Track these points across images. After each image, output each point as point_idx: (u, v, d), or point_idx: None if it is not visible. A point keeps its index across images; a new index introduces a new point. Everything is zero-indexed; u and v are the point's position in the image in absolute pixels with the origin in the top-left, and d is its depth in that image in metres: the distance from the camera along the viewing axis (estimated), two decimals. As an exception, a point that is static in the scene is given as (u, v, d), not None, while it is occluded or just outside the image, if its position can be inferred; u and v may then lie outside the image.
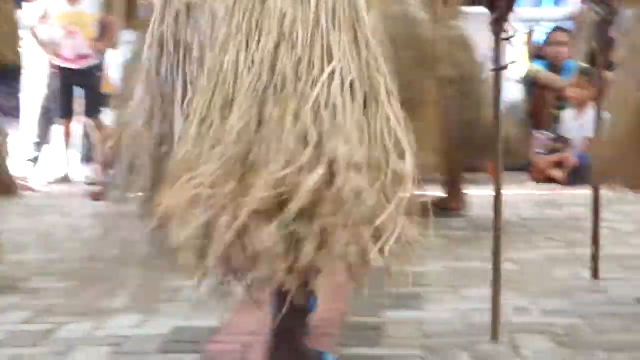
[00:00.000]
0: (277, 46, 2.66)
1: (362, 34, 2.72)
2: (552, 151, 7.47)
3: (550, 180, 7.11)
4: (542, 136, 7.48)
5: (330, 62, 2.63)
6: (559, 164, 7.23)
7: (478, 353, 2.85)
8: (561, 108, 7.91)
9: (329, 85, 2.59)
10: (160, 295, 3.70)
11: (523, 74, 8.10)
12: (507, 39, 3.10)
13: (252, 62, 2.66)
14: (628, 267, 3.95)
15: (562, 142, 7.46)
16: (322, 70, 2.60)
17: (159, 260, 3.76)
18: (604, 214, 5.23)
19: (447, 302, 3.48)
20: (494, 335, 2.94)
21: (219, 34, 2.87)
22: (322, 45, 2.64)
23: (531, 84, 8.00)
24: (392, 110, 2.64)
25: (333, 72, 2.61)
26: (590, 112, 6.53)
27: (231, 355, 2.88)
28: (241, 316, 3.26)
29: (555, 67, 8.06)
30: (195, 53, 3.85)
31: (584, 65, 7.71)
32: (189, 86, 3.85)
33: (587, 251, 4.29)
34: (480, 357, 2.82)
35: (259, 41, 2.70)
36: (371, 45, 2.74)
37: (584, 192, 5.66)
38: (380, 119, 2.64)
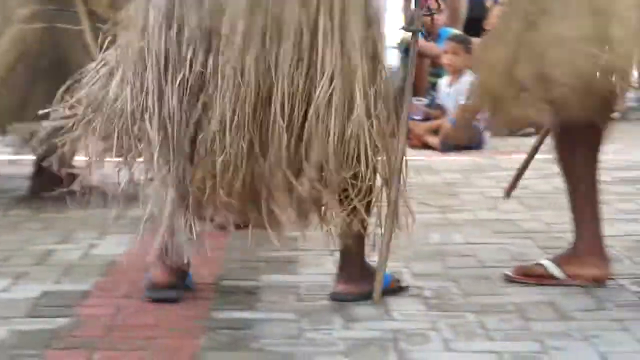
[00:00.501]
0: None
1: None
2: (428, 118, 7.52)
3: (426, 146, 7.16)
4: (418, 103, 7.52)
5: None
6: (434, 131, 7.29)
7: (350, 315, 2.87)
8: (437, 75, 7.97)
9: None
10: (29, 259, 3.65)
11: (399, 41, 8.11)
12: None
13: None
14: (497, 232, 4.03)
15: (438, 109, 7.52)
16: None
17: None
18: (477, 180, 5.37)
19: (323, 266, 3.49)
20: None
21: None
22: None
23: (406, 51, 8.05)
24: None
25: None
26: (465, 79, 6.61)
27: (102, 319, 2.85)
28: (114, 278, 3.25)
29: (430, 34, 8.11)
30: None
31: (458, 32, 7.78)
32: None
33: (460, 216, 4.40)
34: (352, 319, 2.84)
35: None
36: None
37: (458, 159, 5.83)
38: None
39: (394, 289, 3.15)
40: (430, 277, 3.31)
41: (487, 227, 4.12)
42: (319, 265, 3.51)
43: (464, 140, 6.27)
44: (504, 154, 6.17)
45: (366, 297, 3.02)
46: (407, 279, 3.31)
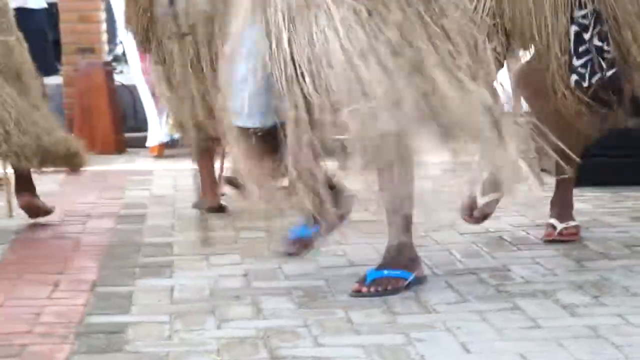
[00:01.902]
0: None
1: None
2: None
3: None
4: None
5: None
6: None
7: (222, 315, 2.89)
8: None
9: None
10: None
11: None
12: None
13: None
14: (367, 232, 4.06)
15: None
16: None
17: None
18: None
19: (196, 270, 3.50)
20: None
21: None
22: None
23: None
24: None
25: None
26: None
27: None
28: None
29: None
30: None
31: None
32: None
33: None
34: (225, 319, 2.85)
35: None
36: None
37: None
38: None
39: None
40: (304, 277, 3.36)
41: (357, 227, 4.13)
42: (193, 269, 3.52)
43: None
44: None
45: None
46: (281, 280, 3.33)
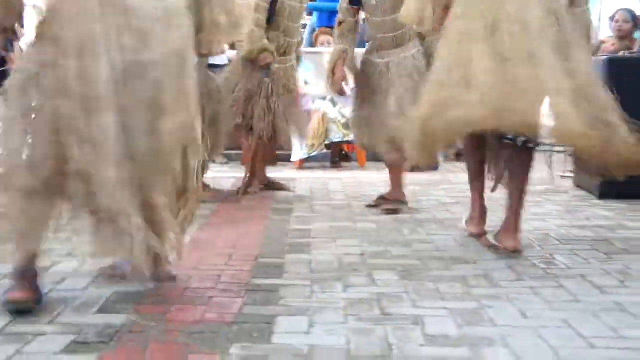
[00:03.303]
0: None
1: None
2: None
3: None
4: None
5: None
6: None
7: (347, 282, 2.90)
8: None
9: None
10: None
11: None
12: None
13: None
14: (446, 227, 4.04)
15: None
16: None
17: None
18: (434, 191, 5.39)
19: (328, 249, 3.50)
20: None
21: None
22: None
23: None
24: None
25: None
26: None
27: (179, 282, 2.88)
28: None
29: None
30: None
31: None
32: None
33: (423, 216, 4.41)
34: (348, 285, 2.86)
35: None
36: None
37: (420, 176, 5.82)
38: None
39: None
40: (403, 258, 3.32)
41: (441, 224, 4.14)
42: (325, 249, 3.51)
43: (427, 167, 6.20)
44: (453, 173, 6.19)
45: None
46: (388, 258, 3.31)
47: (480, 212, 3.66)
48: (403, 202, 4.57)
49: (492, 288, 2.83)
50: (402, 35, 4.42)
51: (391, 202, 4.54)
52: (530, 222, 4.02)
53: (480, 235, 3.59)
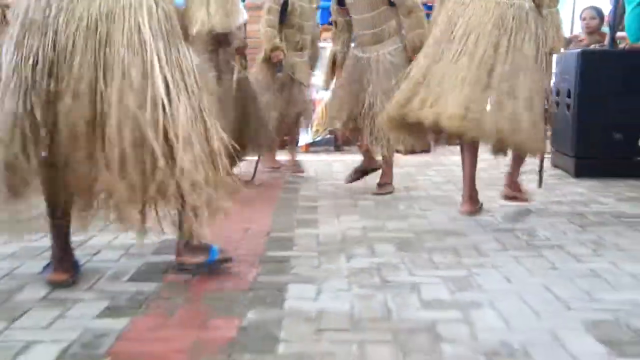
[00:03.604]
0: None
1: None
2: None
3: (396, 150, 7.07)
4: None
5: None
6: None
7: (350, 254, 2.91)
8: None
9: None
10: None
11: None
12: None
13: None
14: (439, 203, 4.04)
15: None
16: None
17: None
18: (428, 171, 5.39)
19: (332, 224, 3.51)
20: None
21: None
22: None
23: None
24: None
25: None
26: None
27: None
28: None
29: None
30: None
31: None
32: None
33: (417, 193, 4.41)
34: (351, 256, 2.87)
35: None
36: None
37: (415, 158, 5.82)
38: None
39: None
40: (400, 231, 3.33)
41: (434, 201, 4.14)
42: (330, 224, 3.51)
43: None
44: (444, 155, 6.18)
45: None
46: (385, 232, 3.31)
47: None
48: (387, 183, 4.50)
49: (480, 257, 2.84)
50: (380, 32, 4.31)
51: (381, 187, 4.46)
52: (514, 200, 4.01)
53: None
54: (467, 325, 2.08)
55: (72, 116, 2.22)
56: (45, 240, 3.11)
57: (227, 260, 2.68)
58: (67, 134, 2.24)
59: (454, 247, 3.00)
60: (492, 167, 5.25)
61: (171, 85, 2.26)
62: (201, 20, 2.54)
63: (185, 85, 2.32)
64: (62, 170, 2.34)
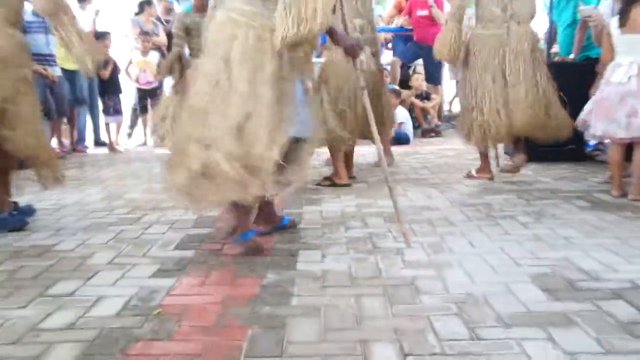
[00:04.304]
0: None
1: None
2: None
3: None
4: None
5: None
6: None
7: (347, 225, 2.88)
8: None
9: None
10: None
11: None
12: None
13: None
14: (417, 184, 3.95)
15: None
16: None
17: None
18: (408, 159, 5.31)
19: (333, 203, 3.46)
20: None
21: None
22: None
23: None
24: None
25: None
26: (397, 111, 6.39)
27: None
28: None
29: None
30: None
31: (395, 87, 7.39)
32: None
33: (399, 177, 4.35)
34: (348, 227, 2.85)
35: None
36: None
37: (397, 148, 5.75)
38: None
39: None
40: (387, 207, 3.24)
41: (413, 182, 4.09)
42: (331, 202, 3.46)
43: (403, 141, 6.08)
44: (420, 146, 6.13)
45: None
46: (375, 209, 3.25)
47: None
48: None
49: (450, 227, 2.82)
50: None
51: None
52: (476, 180, 3.99)
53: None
54: (440, 280, 2.07)
55: None
56: (108, 218, 3.11)
57: (293, 226, 2.80)
58: None
59: (429, 219, 2.98)
60: (459, 154, 5.22)
61: None
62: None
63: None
64: None
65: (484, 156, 3.99)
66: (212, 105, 2.20)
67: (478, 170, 4.04)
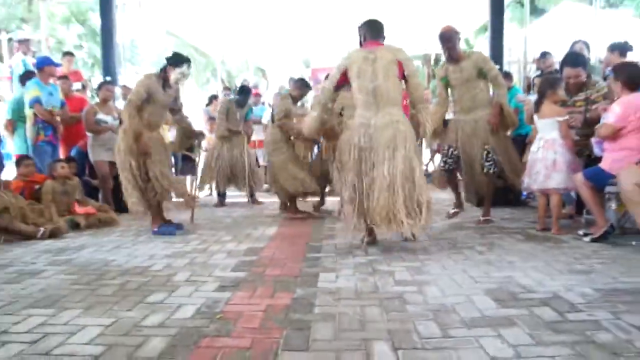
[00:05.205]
0: None
1: None
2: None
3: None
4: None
5: None
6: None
7: (354, 254, 2.80)
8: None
9: None
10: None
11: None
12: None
13: None
14: None
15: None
16: None
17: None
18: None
19: (343, 238, 3.30)
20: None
21: None
22: None
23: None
24: None
25: None
26: None
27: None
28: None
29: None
30: None
31: None
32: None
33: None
34: (354, 255, 2.77)
35: None
36: None
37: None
38: None
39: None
40: (383, 241, 3.14)
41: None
42: (342, 238, 3.33)
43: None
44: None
45: None
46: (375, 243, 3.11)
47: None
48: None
49: (427, 255, 2.78)
50: None
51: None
52: (442, 222, 3.91)
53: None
54: (421, 294, 2.05)
55: None
56: (185, 248, 3.12)
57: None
58: None
59: (413, 249, 2.94)
60: (439, 202, 5.10)
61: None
62: None
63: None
64: None
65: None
66: None
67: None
